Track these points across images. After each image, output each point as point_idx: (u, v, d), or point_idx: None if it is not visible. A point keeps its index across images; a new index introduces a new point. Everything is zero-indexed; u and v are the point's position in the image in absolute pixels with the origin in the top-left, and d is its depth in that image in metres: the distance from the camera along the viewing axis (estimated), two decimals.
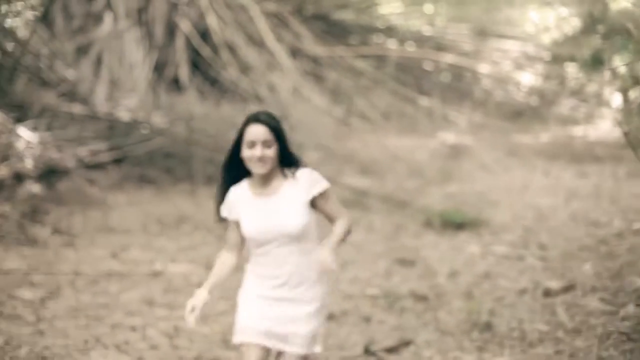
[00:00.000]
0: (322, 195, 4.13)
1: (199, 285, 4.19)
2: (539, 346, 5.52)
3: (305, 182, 4.11)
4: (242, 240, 4.20)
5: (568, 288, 6.65)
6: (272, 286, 4.13)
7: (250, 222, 4.10)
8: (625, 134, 5.48)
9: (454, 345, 5.59)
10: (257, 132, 4.03)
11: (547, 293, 6.58)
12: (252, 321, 4.13)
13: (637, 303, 6.17)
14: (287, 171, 4.14)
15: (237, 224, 4.15)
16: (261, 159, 4.02)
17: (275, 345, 4.12)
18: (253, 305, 4.16)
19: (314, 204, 4.12)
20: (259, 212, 4.10)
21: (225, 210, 4.18)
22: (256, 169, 4.04)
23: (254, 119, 4.07)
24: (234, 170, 4.19)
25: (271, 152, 4.03)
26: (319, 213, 4.14)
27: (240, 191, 4.17)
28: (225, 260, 4.23)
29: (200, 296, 4.04)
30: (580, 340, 5.55)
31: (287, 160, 4.16)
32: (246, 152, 4.03)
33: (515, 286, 6.83)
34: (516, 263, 7.55)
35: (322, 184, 4.13)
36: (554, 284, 6.71)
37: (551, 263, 7.45)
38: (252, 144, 4.02)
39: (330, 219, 4.20)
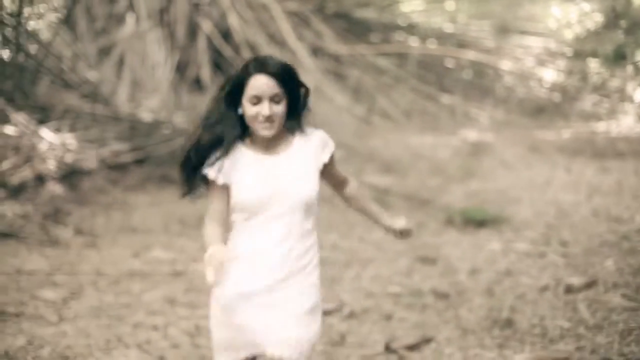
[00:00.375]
0: (332, 158, 3.63)
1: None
2: (560, 342, 5.51)
3: (318, 144, 3.58)
4: (228, 215, 3.57)
5: (590, 284, 6.62)
6: (264, 269, 3.47)
7: (250, 185, 3.48)
8: None
9: (474, 343, 5.58)
10: (264, 85, 3.43)
11: (569, 290, 6.55)
12: (234, 335, 3.51)
13: None
14: (297, 127, 3.60)
15: (225, 191, 3.52)
16: (269, 119, 3.44)
17: (260, 351, 3.51)
18: (235, 313, 3.48)
19: (322, 169, 3.60)
20: (262, 173, 3.50)
21: (212, 172, 3.49)
22: (262, 130, 3.45)
23: (260, 68, 3.45)
24: (223, 126, 3.52)
25: (280, 109, 3.46)
26: (324, 180, 3.67)
27: (235, 151, 3.52)
28: (212, 229, 3.52)
29: (219, 249, 3.32)
30: (602, 336, 5.53)
31: (297, 115, 3.60)
32: (249, 109, 3.44)
33: (537, 283, 6.80)
34: (537, 260, 7.52)
35: (331, 145, 3.63)
36: (576, 281, 6.68)
37: (573, 259, 7.42)
38: (258, 100, 3.43)
39: (340, 184, 3.79)
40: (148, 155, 10.55)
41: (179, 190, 3.59)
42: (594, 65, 16.62)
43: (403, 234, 3.82)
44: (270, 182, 3.49)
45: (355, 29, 16.23)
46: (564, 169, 11.72)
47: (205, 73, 14.36)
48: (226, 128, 3.52)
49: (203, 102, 13.41)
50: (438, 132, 13.76)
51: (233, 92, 3.51)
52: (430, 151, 12.51)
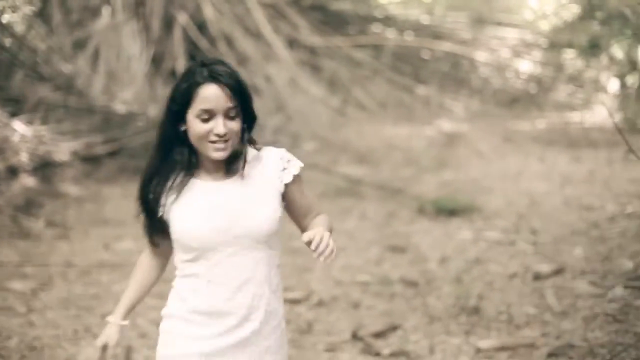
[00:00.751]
0: (296, 179, 3.00)
1: None
2: (526, 328, 5.56)
3: (276, 163, 2.98)
4: (171, 248, 2.97)
5: (558, 272, 6.69)
6: (221, 326, 2.87)
7: (196, 219, 2.86)
8: (615, 122, 5.47)
9: (441, 329, 5.62)
10: (217, 96, 2.81)
11: (537, 277, 6.61)
12: None
13: (625, 285, 6.20)
14: (250, 147, 2.99)
15: (165, 225, 2.93)
16: (224, 138, 2.82)
17: None
18: None
19: (284, 193, 2.99)
20: (212, 204, 2.88)
21: (149, 204, 2.93)
22: (214, 151, 2.84)
23: (210, 76, 2.84)
24: (168, 149, 2.92)
25: (236, 125, 2.85)
26: (287, 206, 3.02)
27: (179, 176, 2.92)
28: (148, 267, 3.09)
29: (111, 333, 3.05)
30: (567, 322, 5.59)
31: (250, 132, 2.99)
32: (197, 127, 2.81)
33: (506, 271, 6.85)
34: (507, 248, 7.57)
35: (296, 164, 3.02)
36: (544, 268, 6.75)
37: (542, 248, 7.48)
38: (209, 115, 2.81)
39: (303, 215, 3.08)
40: (122, 147, 10.55)
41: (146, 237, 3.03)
42: (569, 56, 16.70)
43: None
44: (222, 215, 2.87)
45: (331, 20, 16.23)
46: (537, 158, 11.78)
47: (181, 65, 14.32)
48: (172, 152, 2.93)
49: None
50: (413, 122, 13.79)
51: (178, 107, 2.88)
52: (404, 142, 12.54)
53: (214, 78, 2.84)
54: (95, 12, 13.88)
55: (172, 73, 14.43)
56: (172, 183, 2.93)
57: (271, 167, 2.99)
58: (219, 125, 2.82)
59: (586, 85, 15.87)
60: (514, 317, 5.76)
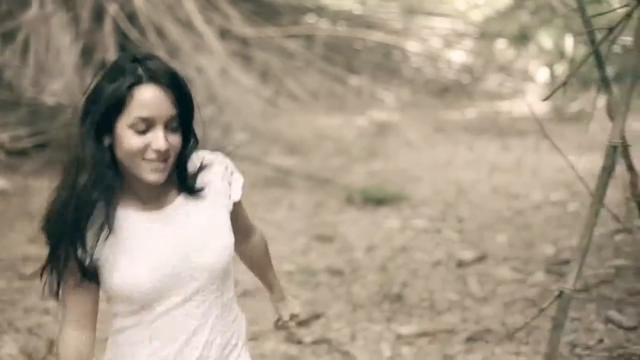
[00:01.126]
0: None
1: None
2: (447, 314, 5.64)
3: (220, 175, 2.45)
4: (96, 306, 2.38)
5: (481, 258, 6.79)
6: None
7: (139, 265, 2.26)
8: (533, 111, 5.56)
9: (363, 317, 5.67)
10: (158, 101, 2.20)
11: (460, 264, 6.70)
12: None
13: (546, 270, 6.32)
14: (189, 161, 2.40)
15: (93, 276, 2.30)
16: (164, 155, 2.23)
17: None
18: None
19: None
20: (155, 241, 2.31)
21: (66, 251, 2.31)
22: (151, 172, 2.24)
23: (149, 75, 2.21)
24: (92, 174, 2.25)
25: (178, 140, 2.28)
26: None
27: (104, 206, 2.27)
28: (76, 344, 2.35)
29: None
30: (488, 307, 5.68)
31: (189, 147, 2.40)
32: (131, 140, 2.20)
33: (430, 258, 6.93)
34: (433, 236, 7.66)
35: (239, 176, 2.52)
36: (468, 255, 6.85)
37: (467, 235, 7.58)
38: (147, 125, 2.20)
39: (244, 236, 2.69)
40: (50, 140, 10.43)
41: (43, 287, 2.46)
42: (500, 46, 16.92)
43: (293, 319, 3.05)
44: (169, 255, 2.30)
45: (263, 11, 16.20)
46: (467, 147, 11.90)
47: (112, 56, 14.21)
48: (93, 174, 2.25)
49: None
50: (345, 113, 13.84)
51: (103, 114, 2.23)
52: (335, 132, 12.59)
53: (152, 78, 2.21)
54: (24, 3, 13.71)
55: (103, 64, 14.31)
56: (100, 218, 2.27)
57: (217, 182, 2.44)
58: (159, 138, 2.21)
59: (516, 74, 16.08)
60: (436, 304, 5.84)
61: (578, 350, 4.78)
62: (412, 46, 16.62)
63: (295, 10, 17.13)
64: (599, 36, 2.53)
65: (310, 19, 17.07)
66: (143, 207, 2.33)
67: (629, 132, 3.75)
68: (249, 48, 15.23)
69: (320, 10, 17.26)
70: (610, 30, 2.32)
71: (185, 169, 2.38)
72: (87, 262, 2.27)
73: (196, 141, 2.43)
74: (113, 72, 2.26)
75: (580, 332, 5.04)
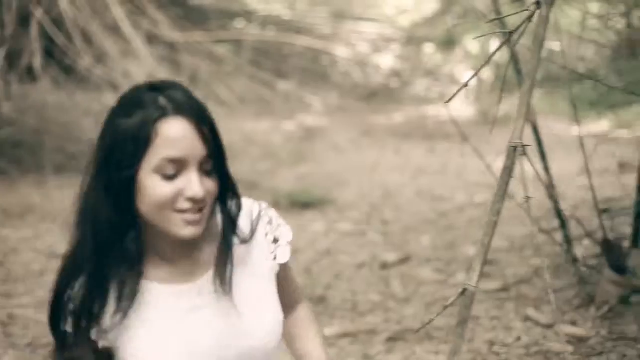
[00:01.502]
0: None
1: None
2: (369, 315, 5.69)
3: (264, 231, 2.19)
4: None
5: (404, 260, 6.86)
6: None
7: (168, 350, 1.85)
8: (451, 115, 5.66)
9: None
10: (189, 139, 1.88)
11: (384, 266, 6.76)
12: None
13: (467, 271, 6.41)
14: (226, 213, 2.08)
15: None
16: (200, 204, 1.90)
17: None
18: None
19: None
20: (189, 323, 1.91)
21: (79, 332, 1.85)
22: (185, 227, 1.88)
23: (174, 107, 1.87)
24: (111, 237, 1.85)
25: (214, 186, 1.99)
26: None
27: (123, 278, 1.87)
28: None
29: None
30: (409, 308, 5.75)
31: (226, 194, 2.10)
32: (158, 187, 1.83)
33: (355, 261, 6.99)
34: (358, 239, 7.72)
35: (286, 231, 2.22)
36: (391, 257, 6.91)
37: (391, 237, 7.65)
38: (178, 167, 1.86)
39: (287, 306, 2.30)
40: None
41: None
42: (427, 50, 17.11)
43: None
44: (207, 342, 1.90)
45: (192, 16, 16.18)
46: (393, 151, 12.01)
47: (37, 62, 14.06)
48: (112, 237, 1.85)
49: (34, 91, 13.18)
50: (273, 117, 13.87)
51: (124, 157, 1.81)
52: (263, 136, 12.62)
53: (179, 110, 1.85)
54: None
55: (29, 70, 14.16)
56: (119, 293, 1.85)
57: (260, 238, 2.10)
58: (194, 183, 1.86)
59: (442, 79, 16.27)
60: (359, 305, 5.89)
61: (496, 348, 4.86)
62: (340, 51, 16.72)
63: (224, 15, 17.13)
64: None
65: (239, 23, 17.08)
66: (171, 275, 1.93)
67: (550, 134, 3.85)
68: (177, 53, 15.19)
69: (249, 15, 17.29)
70: (511, 33, 2.41)
71: (232, 222, 2.01)
72: (101, 345, 1.88)
73: (234, 187, 2.09)
74: (127, 105, 1.86)
75: (499, 330, 5.13)
